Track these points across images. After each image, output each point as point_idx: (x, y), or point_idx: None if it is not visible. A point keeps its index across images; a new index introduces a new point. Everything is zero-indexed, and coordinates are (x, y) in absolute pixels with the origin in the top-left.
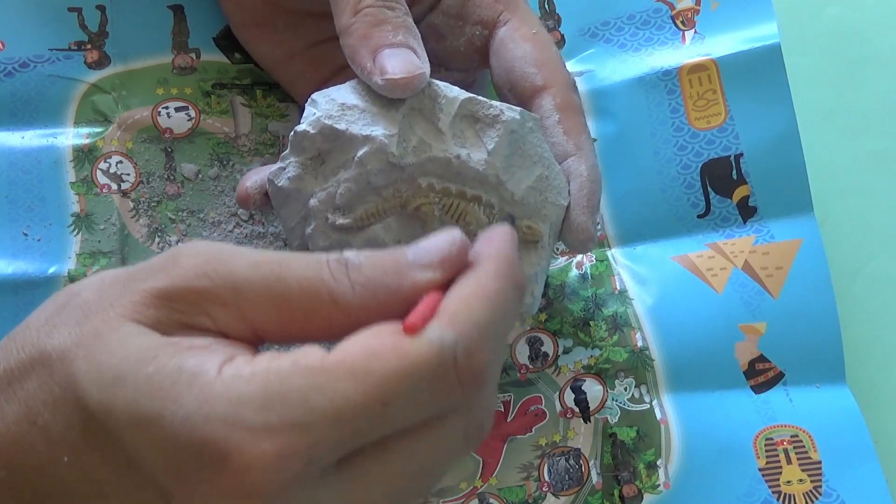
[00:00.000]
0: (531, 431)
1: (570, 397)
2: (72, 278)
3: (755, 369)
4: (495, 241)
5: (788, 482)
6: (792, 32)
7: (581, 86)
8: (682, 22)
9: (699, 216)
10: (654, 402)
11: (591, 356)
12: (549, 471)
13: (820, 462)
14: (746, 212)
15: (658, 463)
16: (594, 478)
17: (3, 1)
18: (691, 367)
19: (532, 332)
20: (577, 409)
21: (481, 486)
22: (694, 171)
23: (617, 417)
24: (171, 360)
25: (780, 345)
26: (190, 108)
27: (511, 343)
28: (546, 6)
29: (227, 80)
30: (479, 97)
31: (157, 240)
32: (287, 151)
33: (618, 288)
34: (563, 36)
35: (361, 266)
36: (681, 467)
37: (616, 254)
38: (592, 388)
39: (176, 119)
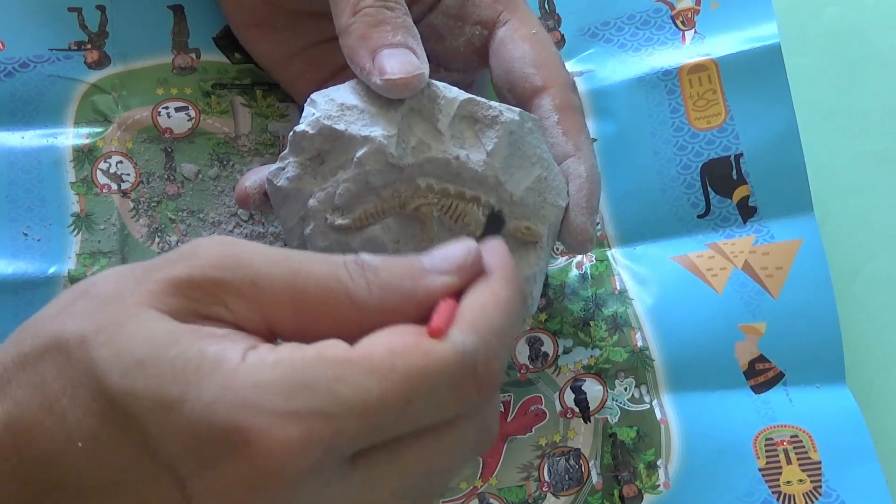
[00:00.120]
0: (531, 431)
1: (570, 397)
2: (72, 278)
3: (755, 369)
4: (499, 252)
5: (788, 482)
6: (792, 32)
7: (581, 86)
8: (682, 22)
9: (699, 216)
10: (654, 403)
11: (591, 356)
12: (549, 471)
13: (820, 462)
14: (746, 212)
15: (658, 463)
16: (594, 478)
17: (3, 1)
18: (691, 367)
19: (532, 332)
20: (577, 409)
21: (481, 486)
22: (694, 171)
23: (617, 417)
24: (193, 346)
25: (780, 345)
26: (190, 108)
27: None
28: (546, 6)
29: (227, 80)
30: (479, 98)
31: (157, 240)
32: (286, 152)
33: (618, 288)
34: (562, 36)
35: (378, 268)
36: (681, 467)
37: (616, 254)
38: (592, 389)
39: (176, 119)
